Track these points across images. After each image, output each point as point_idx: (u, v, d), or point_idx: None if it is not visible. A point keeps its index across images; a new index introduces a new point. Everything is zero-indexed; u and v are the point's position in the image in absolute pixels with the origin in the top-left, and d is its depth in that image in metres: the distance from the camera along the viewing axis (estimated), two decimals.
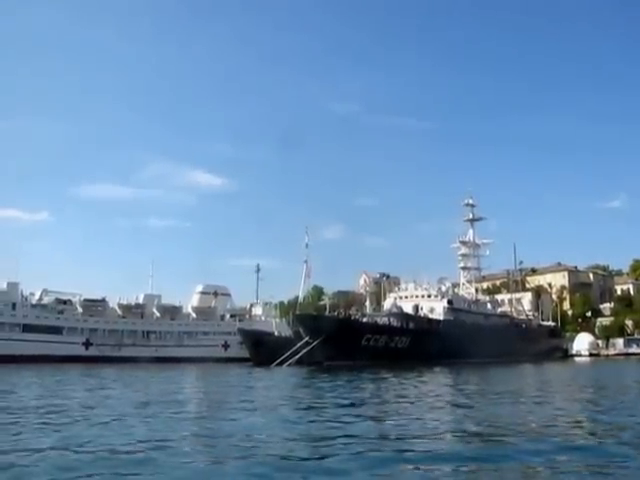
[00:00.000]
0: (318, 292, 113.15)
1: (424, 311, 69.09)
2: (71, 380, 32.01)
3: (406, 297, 72.00)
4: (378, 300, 79.75)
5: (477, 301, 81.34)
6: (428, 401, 19.60)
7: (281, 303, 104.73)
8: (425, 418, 14.40)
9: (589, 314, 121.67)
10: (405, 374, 37.27)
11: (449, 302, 71.26)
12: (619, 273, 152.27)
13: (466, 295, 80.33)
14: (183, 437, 11.13)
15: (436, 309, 69.59)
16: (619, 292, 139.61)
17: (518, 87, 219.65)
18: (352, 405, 17.56)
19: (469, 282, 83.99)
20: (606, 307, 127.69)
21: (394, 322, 63.71)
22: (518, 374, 42.85)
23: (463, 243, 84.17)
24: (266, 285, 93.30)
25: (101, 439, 10.42)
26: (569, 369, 56.37)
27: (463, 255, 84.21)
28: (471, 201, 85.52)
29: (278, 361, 54.98)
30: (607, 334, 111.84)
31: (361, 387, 26.92)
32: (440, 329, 65.98)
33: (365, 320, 64.00)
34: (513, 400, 19.69)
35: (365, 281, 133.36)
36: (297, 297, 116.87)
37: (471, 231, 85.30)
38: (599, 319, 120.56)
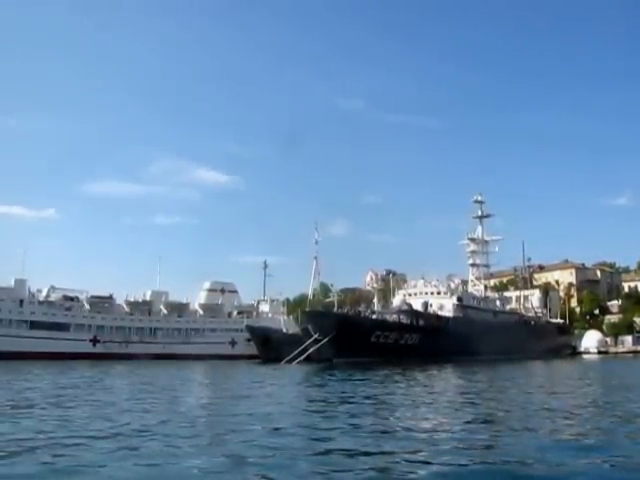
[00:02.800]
0: (325, 289, 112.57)
1: (433, 308, 68.62)
2: (90, 378, 31.42)
3: (415, 294, 71.55)
4: (385, 297, 79.26)
5: (486, 298, 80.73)
6: (464, 397, 19.59)
7: (287, 300, 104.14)
8: (474, 412, 14.57)
9: (597, 311, 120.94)
10: (421, 371, 36.97)
11: (458, 299, 70.72)
12: (626, 270, 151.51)
13: (475, 292, 79.76)
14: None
15: (445, 306, 69.11)
16: (626, 289, 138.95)
17: (523, 84, 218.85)
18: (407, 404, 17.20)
19: (478, 279, 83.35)
20: (614, 304, 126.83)
21: (403, 319, 63.32)
22: (536, 372, 42.47)
23: (472, 240, 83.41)
24: (270, 282, 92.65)
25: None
26: (582, 367, 55.77)
27: (472, 252, 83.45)
28: (480, 198, 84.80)
29: (288, 358, 54.57)
30: (615, 331, 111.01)
31: (391, 384, 26.19)
32: (449, 326, 65.46)
33: (374, 317, 63.63)
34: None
35: (372, 278, 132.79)
36: (302, 294, 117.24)
37: (480, 228, 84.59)
38: (607, 316, 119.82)
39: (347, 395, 19.75)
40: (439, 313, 67.79)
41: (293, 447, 9.43)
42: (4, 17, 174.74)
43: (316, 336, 56.35)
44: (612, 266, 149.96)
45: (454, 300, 70.34)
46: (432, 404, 16.93)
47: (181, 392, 22.46)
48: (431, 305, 68.86)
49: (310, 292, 74.92)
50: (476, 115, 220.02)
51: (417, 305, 67.67)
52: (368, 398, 18.47)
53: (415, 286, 73.61)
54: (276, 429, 11.59)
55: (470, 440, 10.09)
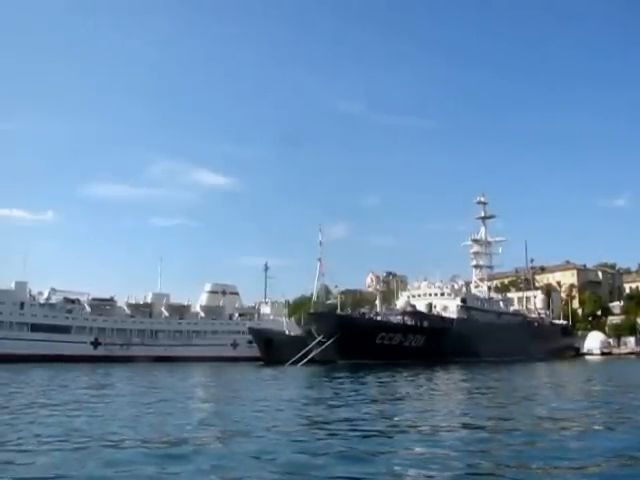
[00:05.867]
0: (326, 291, 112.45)
1: (437, 309, 68.25)
2: (99, 381, 30.90)
3: (419, 295, 71.25)
4: (386, 299, 78.75)
5: (490, 299, 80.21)
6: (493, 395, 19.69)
7: (287, 302, 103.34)
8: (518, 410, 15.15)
9: (599, 312, 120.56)
10: (431, 373, 36.63)
11: (462, 300, 70.37)
12: (627, 271, 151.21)
13: (479, 293, 79.26)
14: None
15: (449, 307, 68.76)
16: (628, 290, 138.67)
17: (523, 84, 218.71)
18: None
19: (481, 280, 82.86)
20: (615, 305, 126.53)
21: (408, 320, 63.01)
22: (550, 373, 42.32)
23: (475, 241, 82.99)
24: (271, 283, 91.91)
25: None
26: (591, 368, 55.48)
27: (475, 253, 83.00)
28: (483, 199, 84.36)
29: (292, 360, 53.97)
30: (618, 333, 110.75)
31: (413, 387, 25.37)
32: (454, 328, 65.15)
33: (379, 319, 63.20)
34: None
35: (372, 280, 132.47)
36: (303, 296, 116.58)
37: (483, 229, 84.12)
38: (609, 317, 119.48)
39: (393, 399, 19.42)
40: (443, 314, 67.42)
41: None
42: (3, 17, 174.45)
43: (320, 338, 55.97)
44: (613, 267, 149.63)
45: (458, 301, 69.97)
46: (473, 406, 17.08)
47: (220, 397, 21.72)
48: (435, 306, 68.52)
49: (315, 293, 74.40)
50: (475, 116, 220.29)
51: (421, 306, 67.38)
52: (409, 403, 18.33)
53: (419, 287, 73.26)
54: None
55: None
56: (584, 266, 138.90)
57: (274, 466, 8.21)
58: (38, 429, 11.65)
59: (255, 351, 71.70)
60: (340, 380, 30.11)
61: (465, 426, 12.42)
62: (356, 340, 53.65)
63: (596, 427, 12.05)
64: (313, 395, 21.28)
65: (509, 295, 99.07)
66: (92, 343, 71.18)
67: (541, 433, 11.18)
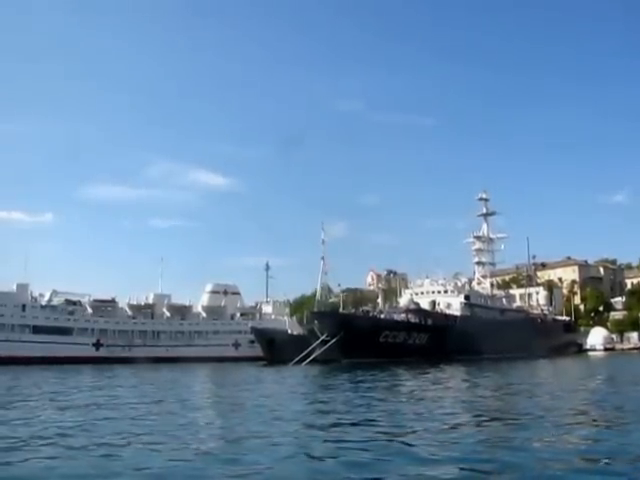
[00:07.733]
0: (327, 290, 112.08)
1: (441, 307, 67.93)
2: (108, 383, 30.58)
3: (422, 293, 70.86)
4: (388, 297, 78.43)
5: (493, 296, 79.85)
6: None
7: (287, 301, 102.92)
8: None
9: (601, 308, 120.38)
10: (441, 371, 36.43)
11: (466, 297, 69.99)
12: (629, 267, 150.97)
13: (482, 290, 78.89)
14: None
15: (453, 305, 68.37)
16: (629, 286, 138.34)
17: (522, 82, 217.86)
18: None
19: (484, 277, 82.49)
20: (617, 301, 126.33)
21: (412, 318, 62.64)
22: (554, 370, 42.13)
23: (477, 238, 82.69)
24: (271, 283, 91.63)
25: None
26: (596, 364, 55.24)
27: (477, 250, 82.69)
28: (485, 195, 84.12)
29: (296, 360, 53.66)
30: (621, 328, 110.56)
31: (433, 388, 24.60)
32: (457, 325, 64.80)
33: (382, 317, 62.86)
34: None
35: (372, 278, 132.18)
36: (303, 295, 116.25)
37: (485, 225, 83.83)
38: (612, 313, 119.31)
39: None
40: (446, 312, 67.07)
41: None
42: (3, 19, 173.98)
43: (323, 337, 55.62)
44: (614, 263, 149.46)
45: (461, 299, 69.58)
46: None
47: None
48: (438, 304, 68.17)
49: (318, 292, 74.14)
50: (474, 113, 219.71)
51: (424, 304, 67.09)
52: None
53: (422, 285, 72.86)
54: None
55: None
56: (585, 262, 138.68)
57: (333, 467, 8.04)
58: (73, 433, 11.23)
59: (257, 351, 71.54)
60: (354, 378, 29.79)
61: (499, 422, 12.45)
62: (359, 339, 53.30)
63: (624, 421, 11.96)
64: (329, 395, 20.86)
65: (512, 292, 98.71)
66: (94, 344, 71.01)
67: (575, 428, 11.22)
